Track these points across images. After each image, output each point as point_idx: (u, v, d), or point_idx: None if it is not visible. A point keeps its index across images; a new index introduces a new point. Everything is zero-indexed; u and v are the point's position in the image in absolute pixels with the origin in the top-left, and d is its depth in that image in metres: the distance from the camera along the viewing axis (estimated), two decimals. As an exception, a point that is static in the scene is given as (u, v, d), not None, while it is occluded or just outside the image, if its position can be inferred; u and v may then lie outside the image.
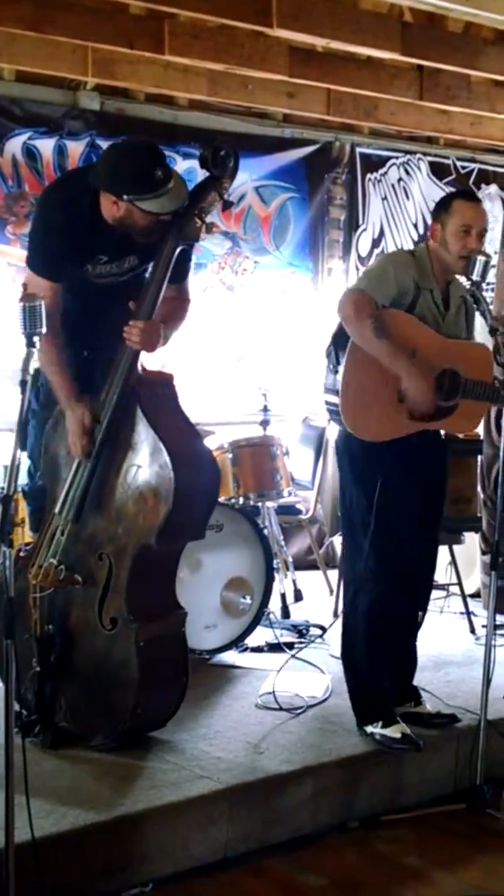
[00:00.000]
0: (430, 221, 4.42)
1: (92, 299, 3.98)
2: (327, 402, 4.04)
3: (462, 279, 4.07)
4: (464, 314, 4.13)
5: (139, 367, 3.87)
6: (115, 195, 3.75)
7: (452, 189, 7.51)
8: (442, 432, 4.23)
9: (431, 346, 3.96)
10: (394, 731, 3.95)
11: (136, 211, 3.74)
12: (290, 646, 5.08)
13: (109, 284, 3.99)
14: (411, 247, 7.43)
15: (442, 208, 4.03)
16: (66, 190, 4.07)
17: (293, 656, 4.79)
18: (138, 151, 3.84)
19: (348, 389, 3.92)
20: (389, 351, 3.86)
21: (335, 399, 3.96)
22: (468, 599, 5.69)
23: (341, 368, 3.91)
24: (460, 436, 5.29)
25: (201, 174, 3.93)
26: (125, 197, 3.72)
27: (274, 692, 4.36)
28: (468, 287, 4.01)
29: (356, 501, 4.03)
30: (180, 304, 4.05)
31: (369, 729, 4.00)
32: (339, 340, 3.96)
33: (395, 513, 3.94)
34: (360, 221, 7.42)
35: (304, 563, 6.68)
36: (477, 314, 4.13)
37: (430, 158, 7.67)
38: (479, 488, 5.89)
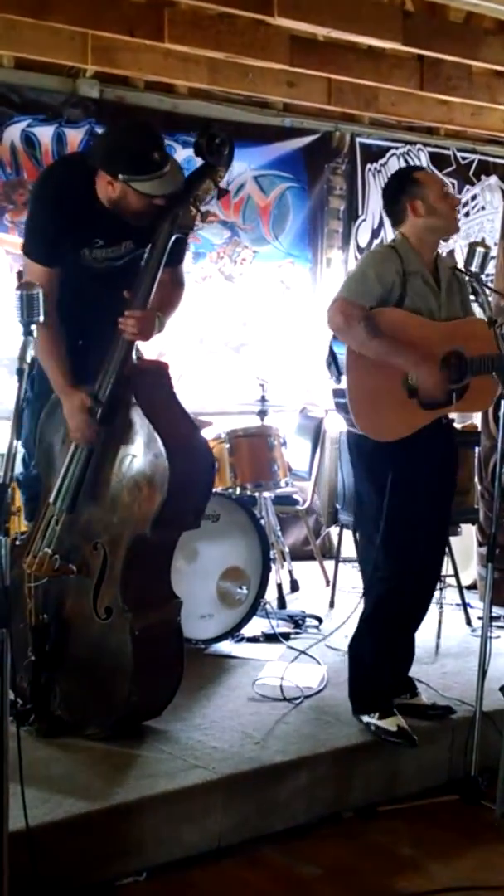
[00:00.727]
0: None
1: (87, 286, 3.96)
2: (337, 404, 4.04)
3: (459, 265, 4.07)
4: (457, 290, 4.12)
5: (134, 357, 3.86)
6: (110, 174, 3.73)
7: (453, 180, 7.52)
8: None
9: (429, 335, 3.95)
10: (390, 724, 3.95)
11: (130, 192, 3.72)
12: (286, 636, 5.08)
13: (104, 270, 3.96)
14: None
15: (411, 185, 4.02)
16: (62, 172, 4.05)
17: (291, 648, 4.79)
18: (136, 132, 3.83)
19: (357, 397, 3.91)
20: (388, 348, 3.86)
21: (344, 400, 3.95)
22: (465, 591, 5.69)
23: (344, 378, 3.91)
24: (458, 427, 5.29)
25: (199, 162, 3.91)
26: (120, 176, 3.70)
27: (268, 683, 4.35)
28: (467, 279, 4.00)
29: (368, 498, 4.03)
30: (175, 289, 4.03)
31: (365, 718, 4.00)
32: (336, 351, 3.97)
33: (406, 510, 3.93)
34: (360, 212, 7.41)
35: (300, 553, 6.68)
36: (476, 305, 4.13)
37: (430, 149, 7.65)
38: (476, 480, 5.88)
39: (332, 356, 4.01)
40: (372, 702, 4.03)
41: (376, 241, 7.43)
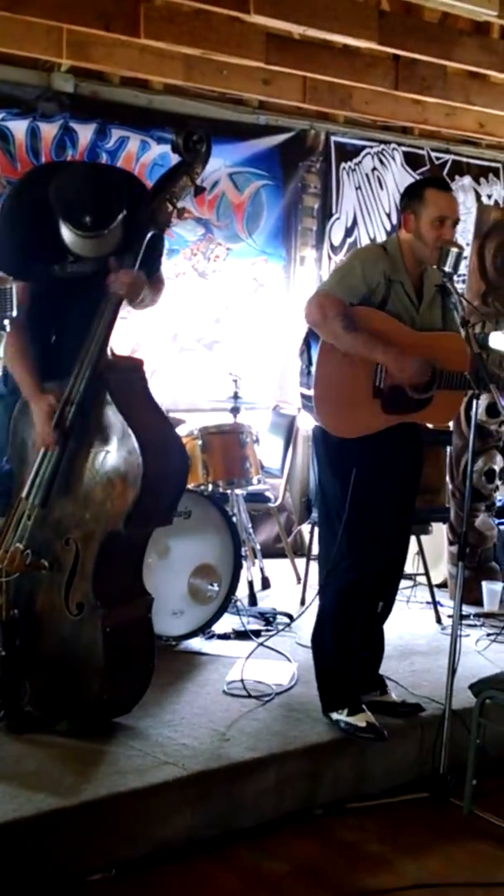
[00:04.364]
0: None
1: (59, 287, 3.94)
2: (303, 396, 4.04)
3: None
4: (439, 304, 4.12)
5: (109, 353, 3.85)
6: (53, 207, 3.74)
7: (426, 179, 7.54)
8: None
9: (403, 342, 3.96)
10: (359, 720, 3.96)
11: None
12: (257, 633, 5.08)
13: (77, 275, 3.94)
14: (384, 237, 7.46)
15: (414, 197, 3.99)
16: (32, 190, 3.99)
17: (261, 644, 4.80)
18: (86, 187, 3.76)
19: (321, 388, 3.93)
20: (364, 342, 3.86)
21: (310, 392, 3.96)
22: (435, 589, 5.72)
23: (313, 368, 3.91)
24: (429, 426, 5.30)
25: (175, 159, 3.90)
26: (56, 214, 3.71)
27: (241, 679, 4.36)
28: (441, 278, 4.01)
29: (332, 492, 4.04)
30: (155, 285, 4.04)
31: (335, 716, 4.01)
32: (311, 341, 3.97)
33: (370, 505, 3.95)
34: (334, 210, 7.42)
35: (272, 550, 6.69)
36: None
37: (404, 148, 7.68)
38: (447, 479, 5.91)
39: (308, 346, 4.00)
40: (340, 697, 4.04)
41: (349, 240, 7.45)
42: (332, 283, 3.99)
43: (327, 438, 4.04)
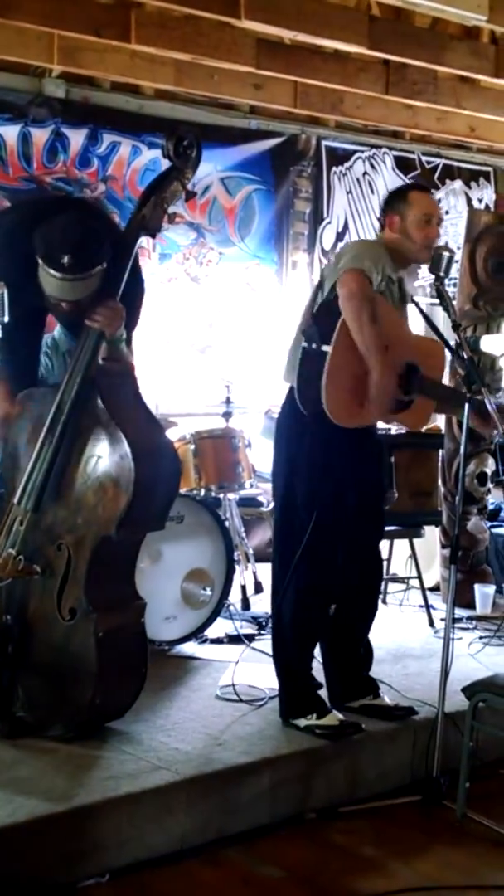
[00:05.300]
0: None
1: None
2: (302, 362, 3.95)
3: (424, 271, 4.09)
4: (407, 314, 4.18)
5: (100, 358, 3.86)
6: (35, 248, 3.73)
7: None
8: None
9: (402, 339, 3.96)
10: (331, 720, 3.97)
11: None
12: (250, 637, 5.08)
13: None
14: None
15: (398, 199, 4.05)
16: (13, 221, 4.00)
17: (252, 648, 4.80)
18: (68, 230, 3.76)
19: (336, 370, 3.82)
20: (375, 342, 3.79)
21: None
22: (427, 593, 5.72)
23: (329, 349, 3.83)
24: (422, 429, 5.32)
25: (166, 164, 3.91)
26: (37, 255, 3.71)
27: (233, 684, 4.36)
28: (432, 282, 4.02)
29: (301, 482, 3.99)
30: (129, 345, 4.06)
31: (303, 722, 3.98)
32: (323, 320, 3.87)
33: (337, 505, 3.95)
34: (325, 214, 7.44)
35: (264, 554, 6.65)
36: (440, 308, 4.15)
37: (395, 153, 7.71)
38: (439, 482, 5.92)
39: (317, 325, 3.87)
40: (307, 703, 4.03)
41: (340, 244, 7.46)
42: (363, 264, 3.84)
43: (314, 433, 3.99)
